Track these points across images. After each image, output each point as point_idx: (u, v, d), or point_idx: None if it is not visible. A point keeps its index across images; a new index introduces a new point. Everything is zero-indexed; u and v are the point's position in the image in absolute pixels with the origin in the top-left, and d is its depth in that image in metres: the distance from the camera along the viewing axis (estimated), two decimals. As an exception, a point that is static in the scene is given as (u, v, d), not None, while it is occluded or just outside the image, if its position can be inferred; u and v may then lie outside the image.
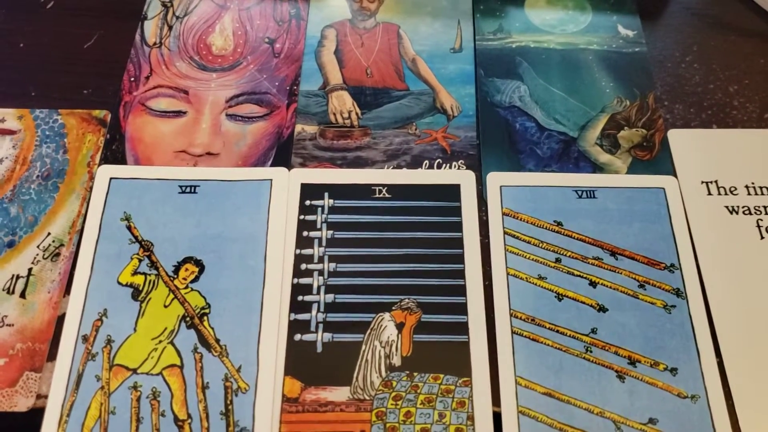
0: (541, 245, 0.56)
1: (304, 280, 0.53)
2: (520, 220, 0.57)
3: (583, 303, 0.53)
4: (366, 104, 0.63)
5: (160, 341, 0.51)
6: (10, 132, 0.60)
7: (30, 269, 0.54)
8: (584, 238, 0.56)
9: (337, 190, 0.58)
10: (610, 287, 0.54)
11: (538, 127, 0.62)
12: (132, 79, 0.64)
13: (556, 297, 0.54)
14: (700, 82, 0.66)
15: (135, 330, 0.51)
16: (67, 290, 0.53)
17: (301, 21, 0.68)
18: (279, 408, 0.49)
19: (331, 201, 0.57)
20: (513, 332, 0.52)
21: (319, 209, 0.56)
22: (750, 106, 0.64)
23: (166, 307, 0.52)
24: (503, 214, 0.57)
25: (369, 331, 0.52)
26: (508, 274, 0.55)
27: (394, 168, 0.59)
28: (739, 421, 0.49)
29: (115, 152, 0.60)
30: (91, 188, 0.57)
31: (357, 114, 0.62)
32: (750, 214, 0.58)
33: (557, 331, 0.52)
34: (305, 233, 0.55)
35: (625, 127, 0.62)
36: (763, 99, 0.65)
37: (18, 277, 0.53)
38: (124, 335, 0.51)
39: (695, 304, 0.54)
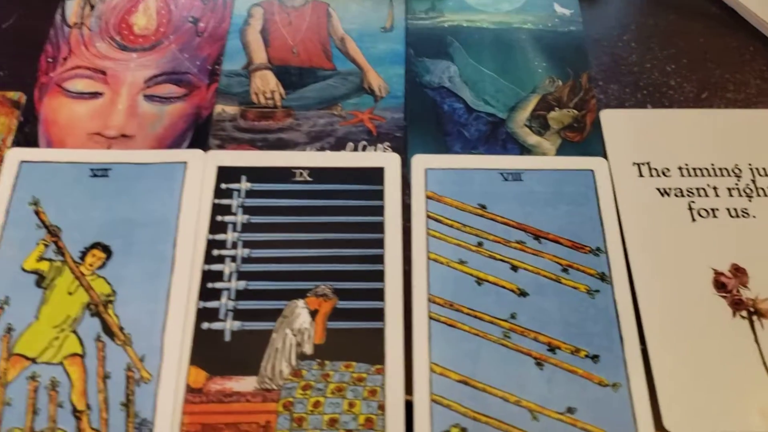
0: (463, 229, 0.54)
1: (215, 267, 0.52)
2: (444, 203, 0.55)
3: (504, 287, 0.52)
4: (291, 84, 0.61)
5: (63, 330, 0.49)
6: None
7: (-70, 256, 0.51)
8: (508, 221, 0.55)
9: (256, 173, 0.56)
10: (532, 271, 0.53)
11: (467, 108, 0.60)
12: (50, 59, 0.62)
13: (476, 282, 0.52)
14: (636, 62, 0.64)
15: (37, 318, 0.49)
16: (-32, 278, 0.51)
17: (228, -1, 0.66)
18: (182, 398, 0.47)
19: (249, 184, 0.55)
20: (430, 318, 0.50)
21: (235, 193, 0.54)
22: (687, 85, 0.62)
23: (70, 294, 0.50)
24: (427, 197, 0.55)
25: (281, 318, 0.50)
26: (428, 258, 0.53)
27: (317, 150, 0.57)
28: (660, 409, 0.48)
29: (27, 135, 0.58)
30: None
31: (281, 94, 0.60)
32: (682, 196, 0.57)
33: (475, 317, 0.51)
34: (219, 218, 0.53)
35: (556, 107, 0.60)
36: (701, 78, 0.63)
37: None
38: (25, 323, 0.49)
39: (620, 289, 0.52)
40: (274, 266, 0.52)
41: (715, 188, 0.57)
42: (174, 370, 0.48)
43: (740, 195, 0.57)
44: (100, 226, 0.53)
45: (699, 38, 0.66)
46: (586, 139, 0.59)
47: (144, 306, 0.50)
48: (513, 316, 0.51)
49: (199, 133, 0.58)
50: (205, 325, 0.49)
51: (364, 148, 0.57)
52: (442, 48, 0.63)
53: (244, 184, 0.55)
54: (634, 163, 0.58)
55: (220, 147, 0.57)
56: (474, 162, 0.57)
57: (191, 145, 0.57)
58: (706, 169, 0.58)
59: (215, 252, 0.52)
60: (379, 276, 0.52)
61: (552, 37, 0.64)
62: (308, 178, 0.55)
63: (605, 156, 0.58)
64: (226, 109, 0.59)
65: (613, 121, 0.60)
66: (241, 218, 0.53)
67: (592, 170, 0.57)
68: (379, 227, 0.54)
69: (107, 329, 0.49)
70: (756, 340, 0.51)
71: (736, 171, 0.58)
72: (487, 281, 0.52)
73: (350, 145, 0.57)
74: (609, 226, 0.55)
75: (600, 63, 0.63)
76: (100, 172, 0.55)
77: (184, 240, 0.52)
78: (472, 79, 0.61)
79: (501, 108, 0.60)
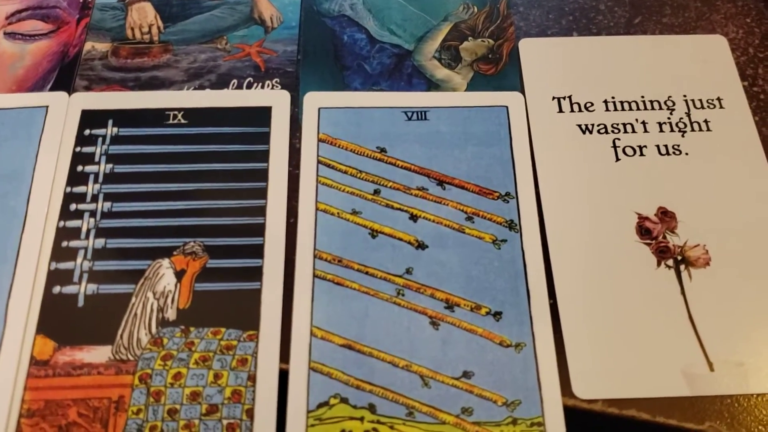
0: (359, 176, 0.48)
1: (71, 223, 0.46)
2: (339, 146, 0.49)
3: (401, 240, 0.46)
4: (171, 17, 0.54)
5: None
6: None
7: None
8: (409, 165, 0.48)
9: (124, 117, 0.49)
10: (434, 221, 0.47)
11: (370, 39, 0.53)
12: None
13: (370, 234, 0.46)
14: (563, -15, 0.57)
15: None
16: None
17: None
18: (25, 372, 0.41)
19: (115, 129, 0.48)
20: (315, 276, 0.45)
21: (100, 139, 0.48)
22: (619, 10, 0.56)
23: None
24: (319, 140, 0.49)
25: (143, 280, 0.44)
26: (317, 209, 0.47)
27: (195, 89, 0.51)
28: (570, 373, 0.43)
29: None
30: None
31: (159, 28, 0.53)
32: (606, 133, 0.50)
33: (367, 273, 0.45)
34: (80, 168, 0.47)
35: (470, 37, 0.53)
36: (635, 2, 0.56)
37: None
38: None
39: (530, 238, 0.46)
40: (138, 221, 0.46)
41: (644, 123, 0.51)
42: (18, 340, 0.42)
43: (672, 130, 0.51)
44: (-55, 180, 0.47)
45: (636, -43, 0.59)
46: (501, 71, 0.52)
47: (-12, 269, 0.44)
48: (409, 271, 0.45)
49: (64, 73, 0.51)
50: (57, 289, 0.44)
51: (249, 86, 0.51)
52: (344, -28, 0.56)
53: (110, 129, 0.48)
54: (554, 98, 0.51)
55: (87, 89, 0.51)
56: (374, 100, 0.51)
57: (55, 87, 0.51)
58: (635, 102, 0.52)
59: (73, 206, 0.46)
60: (259, 230, 0.46)
61: (469, -42, 0.57)
62: (183, 121, 0.49)
63: (522, 90, 0.52)
64: (96, 46, 0.52)
65: (533, 51, 0.53)
66: (103, 167, 0.47)
67: (506, 106, 0.51)
68: (263, 175, 0.48)
69: (-56, 296, 0.43)
70: (682, 293, 0.45)
71: (669, 104, 0.52)
72: (383, 233, 0.46)
73: (234, 82, 0.51)
74: (521, 168, 0.49)
75: (522, -14, 0.57)
76: (-52, 120, 0.49)
77: (38, 194, 0.46)
78: (377, 6, 0.55)
79: (408, 38, 0.53)
